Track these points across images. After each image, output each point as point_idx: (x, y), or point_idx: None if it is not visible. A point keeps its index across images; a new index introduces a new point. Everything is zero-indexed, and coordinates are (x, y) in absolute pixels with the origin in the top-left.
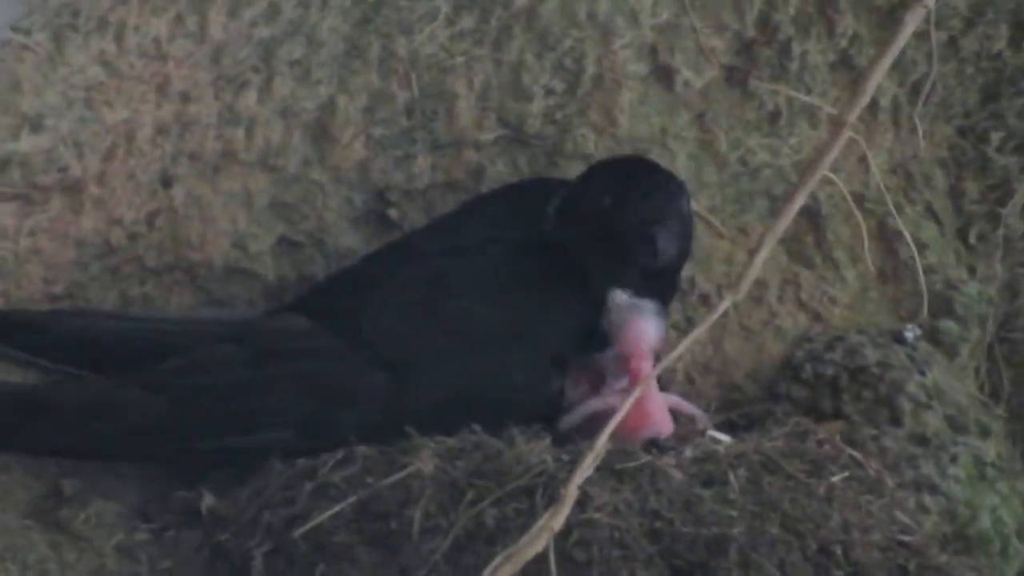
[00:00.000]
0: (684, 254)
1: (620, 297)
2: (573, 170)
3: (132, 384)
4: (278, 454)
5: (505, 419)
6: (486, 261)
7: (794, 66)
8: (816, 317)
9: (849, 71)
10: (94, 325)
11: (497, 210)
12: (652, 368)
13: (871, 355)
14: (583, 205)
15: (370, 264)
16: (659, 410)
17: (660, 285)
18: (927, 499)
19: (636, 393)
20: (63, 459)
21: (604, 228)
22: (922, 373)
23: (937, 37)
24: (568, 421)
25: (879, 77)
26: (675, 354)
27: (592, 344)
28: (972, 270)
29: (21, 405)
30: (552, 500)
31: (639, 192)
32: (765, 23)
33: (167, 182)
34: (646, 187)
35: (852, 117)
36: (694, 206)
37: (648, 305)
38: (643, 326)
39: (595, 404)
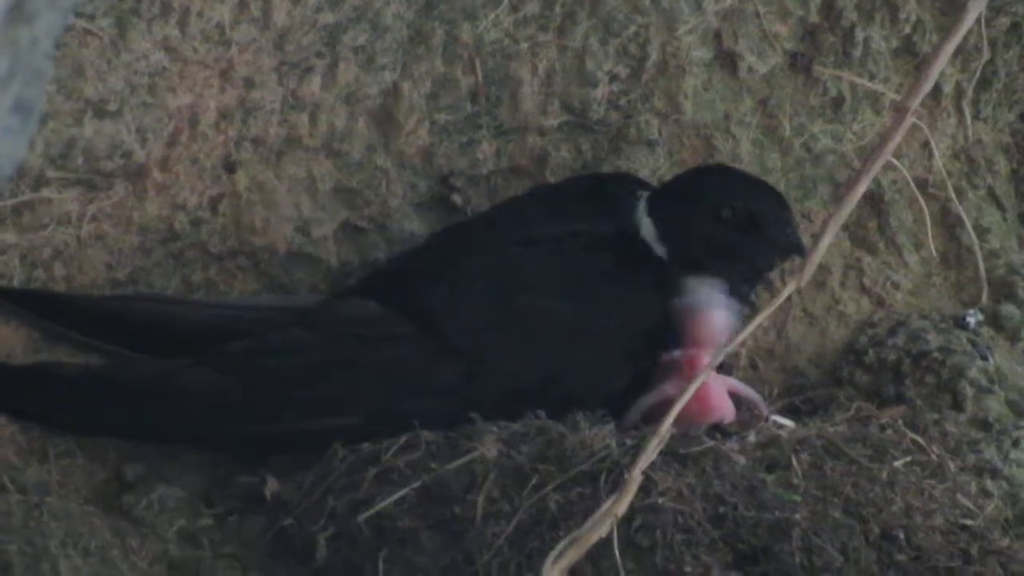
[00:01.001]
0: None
1: (698, 288)
2: (637, 156)
3: (198, 366)
4: (344, 440)
5: (573, 411)
6: (561, 254)
7: (857, 52)
8: (879, 302)
9: (912, 57)
10: (157, 310)
11: (573, 201)
12: (711, 358)
13: (933, 340)
14: (696, 213)
15: (439, 247)
16: (720, 397)
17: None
18: (989, 483)
19: (696, 383)
20: (127, 442)
21: (731, 239)
22: (984, 358)
23: (1000, 23)
24: (629, 418)
25: (942, 63)
26: (738, 340)
27: (665, 342)
28: None
29: (84, 387)
30: (616, 485)
31: (772, 198)
32: (829, 9)
33: (230, 167)
34: (772, 194)
35: (915, 103)
36: None
37: (725, 299)
38: (718, 318)
39: (652, 398)
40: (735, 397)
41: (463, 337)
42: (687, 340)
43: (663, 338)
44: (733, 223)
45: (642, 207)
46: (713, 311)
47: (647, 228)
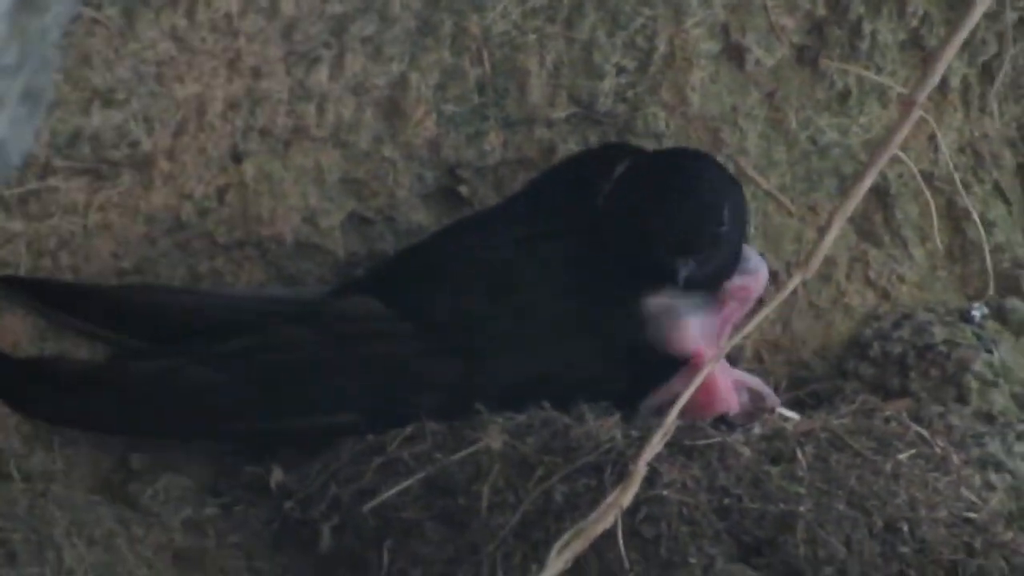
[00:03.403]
0: (723, 270)
1: (655, 302)
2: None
3: (199, 363)
4: (345, 437)
5: (575, 405)
6: (554, 248)
7: (864, 45)
8: (884, 295)
9: (919, 51)
10: (163, 300)
11: (564, 189)
12: (714, 353)
13: (938, 333)
14: (621, 209)
15: (440, 244)
16: (726, 389)
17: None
18: (993, 476)
19: (700, 378)
20: (129, 438)
21: (637, 242)
22: (989, 351)
23: (1007, 17)
24: (639, 418)
25: (949, 57)
26: (744, 332)
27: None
28: None
29: (88, 383)
30: (621, 476)
31: (674, 215)
32: (836, 2)
33: (238, 157)
34: (682, 211)
35: (922, 97)
36: (765, 184)
37: (685, 305)
38: (684, 329)
39: (661, 397)
40: (739, 389)
41: (461, 335)
42: (666, 343)
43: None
44: (643, 228)
45: (608, 185)
46: (685, 319)
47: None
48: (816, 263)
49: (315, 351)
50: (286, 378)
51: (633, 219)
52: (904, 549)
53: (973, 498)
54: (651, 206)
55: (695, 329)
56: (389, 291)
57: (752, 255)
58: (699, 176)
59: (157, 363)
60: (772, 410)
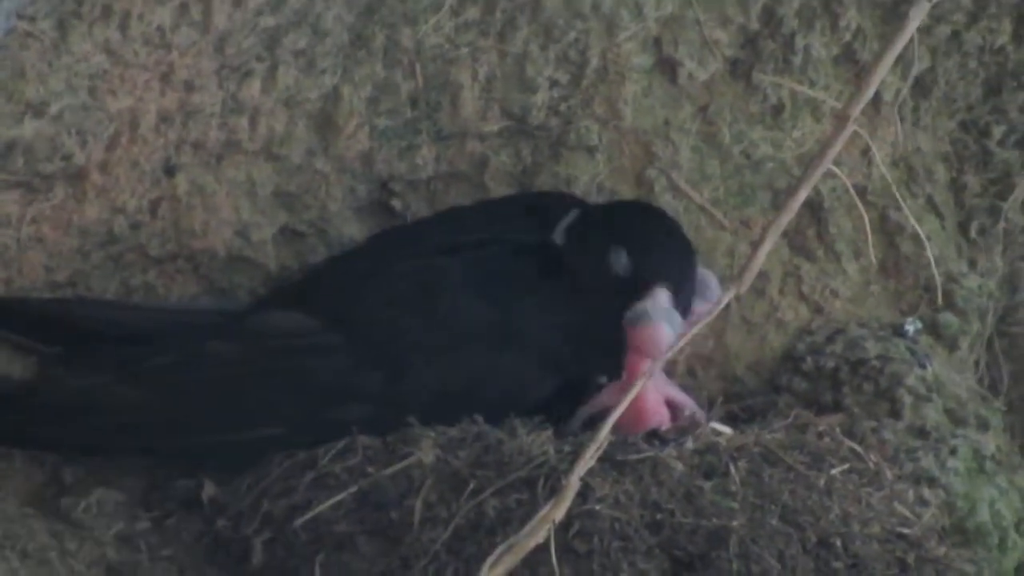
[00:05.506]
0: (688, 307)
1: (652, 299)
2: (576, 162)
3: (127, 380)
4: (273, 450)
5: (498, 418)
6: (482, 260)
7: (798, 60)
8: (817, 310)
9: (852, 65)
10: (95, 313)
11: (503, 212)
12: (650, 365)
13: (871, 348)
14: (593, 249)
15: (367, 255)
16: (655, 404)
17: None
18: (926, 492)
19: (633, 391)
20: (56, 455)
21: (615, 284)
22: (922, 366)
23: (940, 31)
24: (570, 429)
25: (883, 72)
26: (677, 346)
27: (590, 352)
28: (973, 263)
29: (11, 402)
30: (553, 491)
31: (655, 258)
32: (769, 16)
33: (170, 170)
34: (662, 254)
35: (856, 112)
36: (698, 198)
37: (674, 314)
38: (662, 331)
39: (590, 409)
40: (672, 405)
41: (386, 346)
42: (631, 349)
43: (588, 348)
44: (618, 272)
45: (566, 221)
46: (658, 324)
47: (562, 242)
48: (750, 278)
49: (242, 365)
50: (214, 393)
51: (610, 257)
52: (837, 564)
53: (906, 513)
54: (637, 238)
55: (665, 337)
56: (315, 303)
57: (712, 281)
58: (671, 218)
59: (86, 380)
60: (702, 425)
